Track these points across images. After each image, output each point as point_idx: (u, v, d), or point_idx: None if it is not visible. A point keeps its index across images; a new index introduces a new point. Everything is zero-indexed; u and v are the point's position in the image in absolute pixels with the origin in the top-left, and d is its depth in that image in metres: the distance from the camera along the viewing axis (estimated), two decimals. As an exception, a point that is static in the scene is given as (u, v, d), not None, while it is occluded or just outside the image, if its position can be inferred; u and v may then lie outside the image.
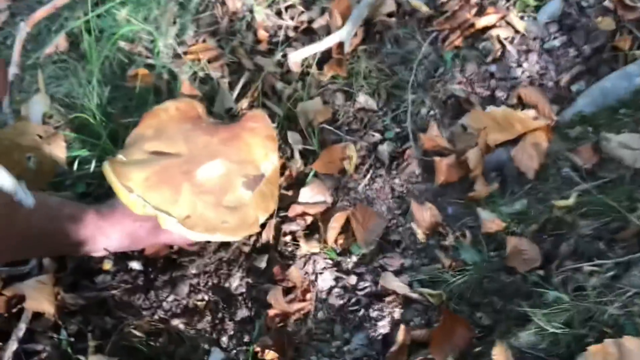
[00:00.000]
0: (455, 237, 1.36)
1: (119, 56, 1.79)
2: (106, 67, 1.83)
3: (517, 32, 1.66)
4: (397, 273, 1.34)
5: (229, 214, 1.25)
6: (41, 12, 2.04)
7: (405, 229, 1.43)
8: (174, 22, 1.90)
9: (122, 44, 1.85)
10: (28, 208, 1.02)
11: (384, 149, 1.54)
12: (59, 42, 1.91)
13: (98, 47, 1.83)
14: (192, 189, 1.24)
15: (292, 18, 1.86)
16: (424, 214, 1.41)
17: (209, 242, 1.43)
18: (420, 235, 1.39)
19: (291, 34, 1.83)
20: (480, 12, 1.70)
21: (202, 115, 1.47)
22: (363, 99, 1.63)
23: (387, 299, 1.30)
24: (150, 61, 1.81)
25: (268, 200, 1.35)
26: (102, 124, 1.60)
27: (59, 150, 1.65)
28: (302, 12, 1.86)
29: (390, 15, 1.76)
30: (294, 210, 1.47)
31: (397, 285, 1.30)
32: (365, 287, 1.34)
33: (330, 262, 1.39)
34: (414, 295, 1.28)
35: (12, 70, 1.94)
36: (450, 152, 1.48)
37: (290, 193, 1.52)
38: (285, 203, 1.50)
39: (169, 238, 1.34)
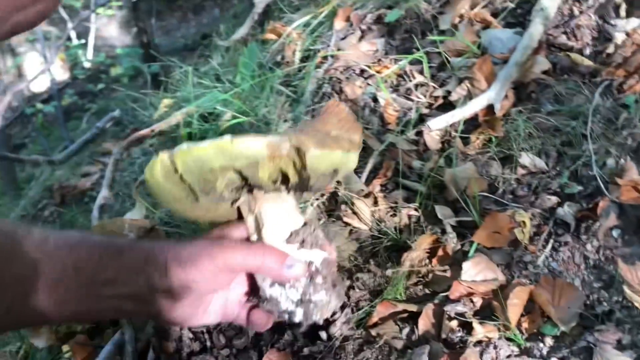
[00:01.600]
0: (690, 299, 1.25)
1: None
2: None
3: None
4: (618, 349, 1.22)
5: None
6: (134, 136, 2.34)
7: (613, 300, 1.33)
8: (285, 120, 2.10)
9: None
10: None
11: (567, 210, 1.51)
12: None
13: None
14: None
15: (424, 95, 2.00)
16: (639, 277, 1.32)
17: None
18: (638, 302, 1.29)
19: (424, 111, 1.95)
20: (659, 55, 1.76)
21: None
22: (528, 161, 1.65)
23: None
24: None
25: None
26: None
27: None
28: (435, 88, 2.00)
29: (545, 73, 1.85)
30: (457, 289, 1.42)
31: (621, 360, 1.18)
32: (573, 372, 1.22)
33: (516, 349, 1.30)
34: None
35: (103, 193, 2.17)
36: (659, 202, 1.43)
37: (448, 274, 1.49)
38: (443, 285, 1.47)
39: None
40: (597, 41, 1.96)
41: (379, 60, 2.17)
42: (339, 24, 2.35)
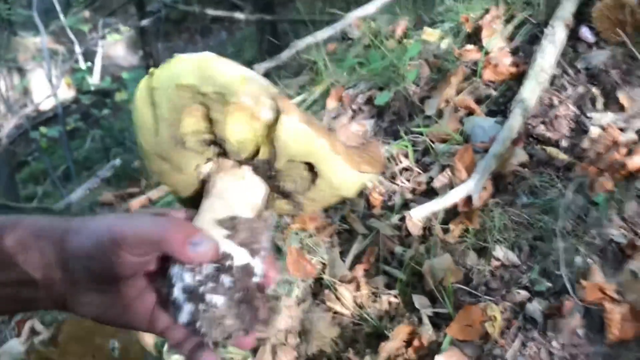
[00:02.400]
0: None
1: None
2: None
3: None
4: None
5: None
6: (137, 202, 2.44)
7: (575, 401, 1.41)
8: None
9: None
10: None
11: (535, 306, 1.59)
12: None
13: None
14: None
15: (408, 180, 2.10)
16: (599, 380, 1.40)
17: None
18: (598, 405, 1.37)
19: (408, 196, 2.05)
20: (630, 153, 1.86)
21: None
22: (501, 254, 1.74)
23: None
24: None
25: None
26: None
27: (146, 334, 1.83)
28: (419, 173, 2.11)
29: (522, 165, 1.95)
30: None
31: None
32: None
33: None
34: None
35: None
36: (621, 303, 1.51)
37: (421, 365, 1.57)
38: (416, 377, 1.54)
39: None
40: (574, 132, 2.06)
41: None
42: (331, 103, 2.47)
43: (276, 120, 0.73)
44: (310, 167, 0.78)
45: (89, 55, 9.54)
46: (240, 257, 0.75)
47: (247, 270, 0.75)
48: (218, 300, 0.73)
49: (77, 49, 8.49)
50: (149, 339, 1.84)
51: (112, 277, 0.76)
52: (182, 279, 0.74)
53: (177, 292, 0.74)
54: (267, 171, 0.80)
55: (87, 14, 10.60)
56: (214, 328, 0.73)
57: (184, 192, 0.88)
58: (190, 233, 0.74)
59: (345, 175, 0.79)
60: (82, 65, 9.33)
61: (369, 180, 0.84)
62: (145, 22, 8.15)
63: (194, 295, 0.74)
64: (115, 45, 11.91)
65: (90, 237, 0.74)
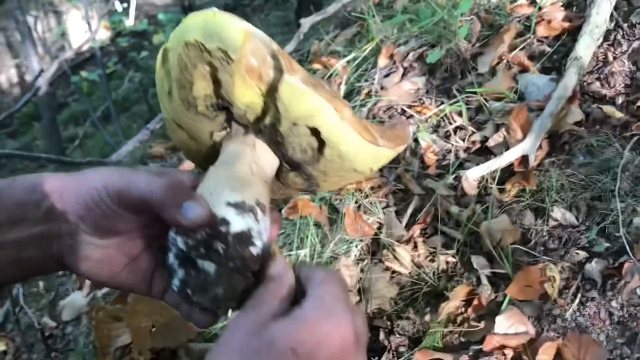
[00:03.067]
0: None
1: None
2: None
3: None
4: (635, 409, 1.34)
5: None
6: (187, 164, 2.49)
7: (634, 358, 1.45)
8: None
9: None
10: None
11: (594, 267, 1.62)
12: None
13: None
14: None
15: (462, 139, 2.11)
16: (658, 339, 1.43)
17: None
18: (658, 363, 1.41)
19: (462, 155, 2.07)
20: (690, 110, 1.85)
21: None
22: (559, 214, 1.76)
23: None
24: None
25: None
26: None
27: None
28: (473, 132, 2.12)
29: (578, 124, 1.95)
30: (491, 342, 1.55)
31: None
32: None
33: (543, 402, 1.43)
34: None
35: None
36: (681, 264, 1.54)
37: (481, 324, 1.62)
38: (477, 336, 1.60)
39: None
40: (629, 89, 2.05)
41: (421, 100, 2.29)
42: (382, 61, 2.47)
43: (279, 79, 0.70)
44: (317, 133, 0.74)
45: (124, -3, 9.54)
46: (237, 224, 0.71)
47: (243, 238, 0.71)
48: (209, 267, 0.70)
49: (114, -5, 8.50)
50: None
51: (109, 230, 0.75)
52: (176, 243, 0.72)
53: (171, 257, 0.73)
54: (273, 136, 0.76)
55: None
56: (203, 296, 0.71)
57: (204, 163, 0.84)
58: (183, 197, 0.71)
59: (356, 145, 0.74)
60: (119, 7, 9.34)
61: (386, 157, 0.77)
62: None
63: (185, 260, 0.71)
64: (150, -16, 11.86)
65: (87, 188, 0.73)
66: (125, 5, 9.67)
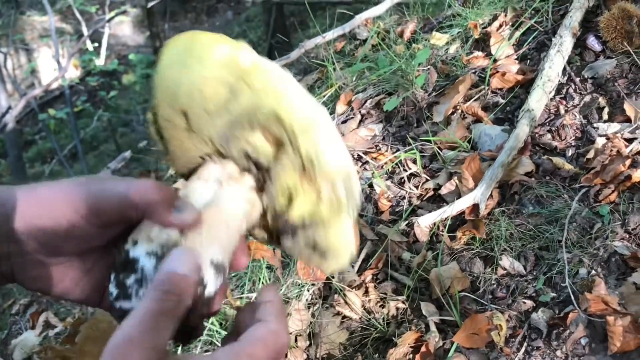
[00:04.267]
0: (647, 415, 1.36)
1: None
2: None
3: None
4: None
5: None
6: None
7: (578, 410, 1.45)
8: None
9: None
10: None
11: (540, 316, 1.63)
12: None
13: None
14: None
15: (416, 187, 2.13)
16: (601, 390, 1.44)
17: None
18: (600, 415, 1.41)
19: (416, 202, 2.09)
20: (635, 164, 1.89)
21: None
22: (508, 263, 1.77)
23: None
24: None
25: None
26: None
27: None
28: (427, 180, 2.14)
29: (529, 175, 1.98)
30: (435, 389, 1.54)
31: None
32: None
33: None
34: None
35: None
36: (624, 315, 1.55)
37: (428, 372, 1.61)
38: (423, 383, 1.58)
39: None
40: (580, 141, 2.09)
41: (377, 146, 2.31)
42: (340, 107, 2.49)
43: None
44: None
45: (95, 36, 9.57)
46: (211, 287, 0.66)
47: (208, 301, 0.66)
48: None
49: (85, 30, 8.51)
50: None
51: (66, 251, 0.70)
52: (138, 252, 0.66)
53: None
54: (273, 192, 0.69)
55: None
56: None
57: (181, 159, 0.76)
58: (174, 197, 0.68)
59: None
60: (90, 46, 9.35)
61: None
62: (151, 3, 8.14)
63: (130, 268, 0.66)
64: (122, 25, 11.91)
65: (44, 206, 0.67)
66: (96, 44, 9.68)
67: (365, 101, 2.49)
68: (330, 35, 3.12)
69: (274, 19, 7.48)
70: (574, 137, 2.11)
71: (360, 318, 1.82)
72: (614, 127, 2.07)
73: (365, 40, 3.02)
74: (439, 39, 2.66)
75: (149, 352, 0.55)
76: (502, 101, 2.27)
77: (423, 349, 1.66)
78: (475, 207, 1.92)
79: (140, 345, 0.56)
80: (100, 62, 9.79)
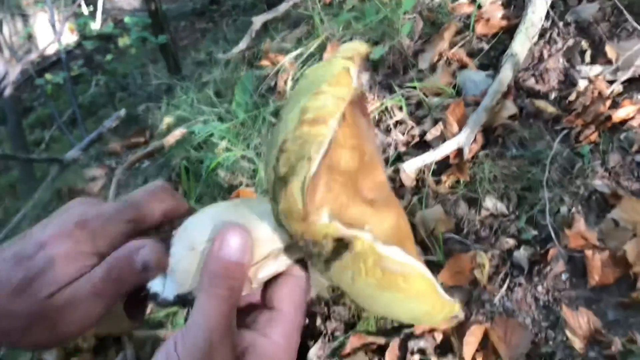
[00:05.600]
0: (622, 343, 1.41)
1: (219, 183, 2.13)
2: (206, 201, 2.16)
3: (663, 120, 1.83)
4: (554, 388, 1.38)
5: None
6: (136, 156, 2.49)
7: (557, 341, 1.49)
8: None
9: (222, 174, 2.20)
10: None
11: (522, 254, 1.67)
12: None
13: (196, 184, 2.18)
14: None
15: (402, 133, 2.15)
16: (580, 322, 1.48)
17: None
18: (578, 345, 1.45)
19: (402, 148, 2.10)
20: (615, 105, 1.90)
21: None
22: (491, 204, 1.80)
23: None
24: (251, 189, 2.12)
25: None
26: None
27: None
28: (413, 127, 2.15)
29: (512, 118, 2.00)
30: (421, 326, 1.58)
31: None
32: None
33: (469, 383, 1.46)
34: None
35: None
36: (603, 250, 1.59)
37: (414, 310, 1.65)
38: (409, 320, 1.63)
39: None
40: (562, 85, 2.10)
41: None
42: (327, 57, 2.49)
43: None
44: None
45: (90, 0, 9.46)
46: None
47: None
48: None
49: (79, -4, 8.40)
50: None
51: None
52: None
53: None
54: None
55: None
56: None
57: None
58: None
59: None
60: (85, 10, 9.25)
61: None
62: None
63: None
64: (117, -12, 11.77)
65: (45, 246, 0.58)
66: (91, 8, 9.56)
67: (352, 51, 2.49)
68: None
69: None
70: (557, 81, 2.12)
71: (348, 261, 1.85)
72: (596, 69, 2.07)
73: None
74: (424, -13, 2.64)
75: (229, 353, 0.52)
76: (486, 47, 2.27)
77: (409, 288, 1.70)
78: (459, 151, 1.93)
79: (222, 351, 0.52)
80: (96, 26, 9.69)
